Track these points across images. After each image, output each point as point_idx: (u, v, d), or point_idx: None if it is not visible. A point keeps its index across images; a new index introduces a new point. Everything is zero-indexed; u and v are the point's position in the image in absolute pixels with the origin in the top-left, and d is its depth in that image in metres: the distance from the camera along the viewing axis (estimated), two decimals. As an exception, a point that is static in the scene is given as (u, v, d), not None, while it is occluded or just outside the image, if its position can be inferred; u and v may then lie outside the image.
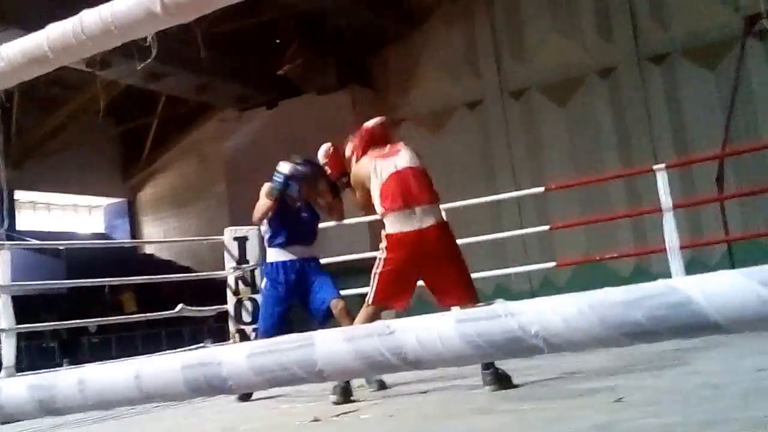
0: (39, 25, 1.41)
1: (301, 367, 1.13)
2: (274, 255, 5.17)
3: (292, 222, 5.13)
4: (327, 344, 1.13)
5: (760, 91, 11.66)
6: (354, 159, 4.53)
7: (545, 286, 12.07)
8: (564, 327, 0.99)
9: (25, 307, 7.07)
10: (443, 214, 4.48)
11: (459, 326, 1.05)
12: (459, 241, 5.60)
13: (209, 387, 1.21)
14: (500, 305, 1.06)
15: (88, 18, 1.44)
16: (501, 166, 13.23)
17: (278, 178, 4.95)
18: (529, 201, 12.34)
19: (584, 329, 0.98)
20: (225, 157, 15.61)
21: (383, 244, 4.27)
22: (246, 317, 7.32)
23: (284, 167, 4.97)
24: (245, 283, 7.46)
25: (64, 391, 1.29)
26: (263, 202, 4.99)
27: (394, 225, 4.21)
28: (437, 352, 1.06)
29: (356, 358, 1.11)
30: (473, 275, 7.57)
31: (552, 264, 7.58)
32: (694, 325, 0.93)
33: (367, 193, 4.39)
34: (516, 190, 11.29)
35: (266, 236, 5.21)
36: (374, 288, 4.25)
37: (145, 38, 1.48)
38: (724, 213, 10.58)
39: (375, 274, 4.30)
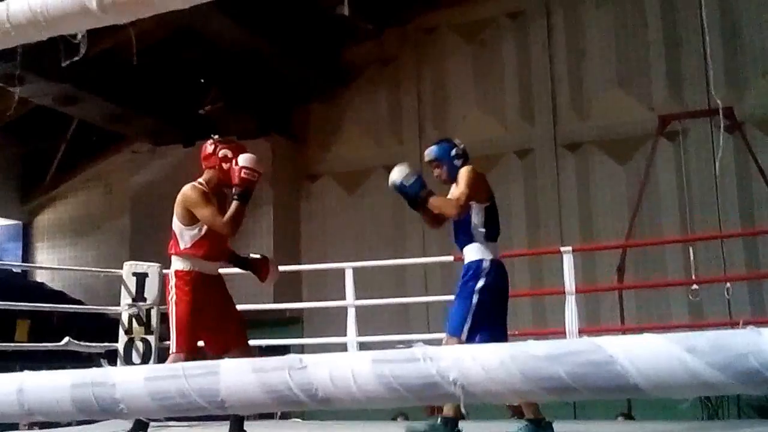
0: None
1: (202, 396, 1.08)
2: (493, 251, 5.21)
3: None
4: (232, 374, 1.09)
5: (666, 190, 12.05)
6: None
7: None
8: (483, 376, 0.97)
9: None
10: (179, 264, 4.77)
11: (375, 366, 1.02)
12: (364, 302, 5.57)
13: (99, 409, 1.15)
14: (419, 349, 1.04)
15: (15, 5, 1.37)
16: (411, 233, 13.28)
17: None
18: (436, 270, 12.40)
19: (504, 380, 0.96)
20: (132, 190, 15.25)
21: None
22: (136, 358, 7.07)
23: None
24: (139, 323, 7.23)
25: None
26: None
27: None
28: (350, 391, 1.02)
29: (262, 391, 1.06)
30: (377, 338, 7.58)
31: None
32: (614, 386, 0.92)
33: None
34: (424, 257, 11.37)
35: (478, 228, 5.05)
36: None
37: (69, 52, 1.40)
38: (621, 302, 10.82)
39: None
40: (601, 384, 0.93)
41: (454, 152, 5.00)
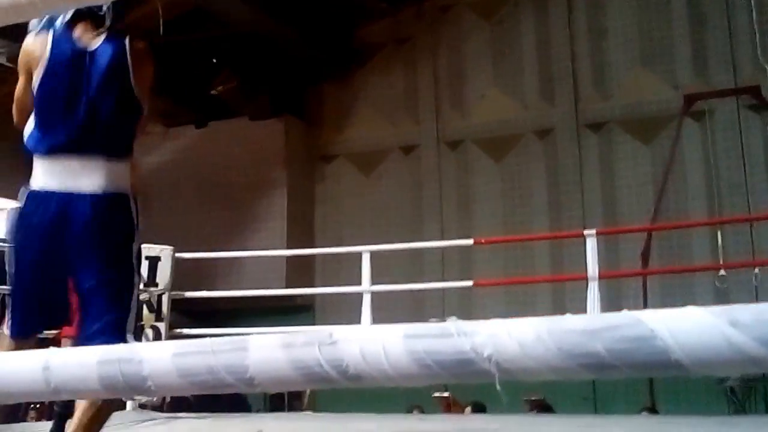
0: None
1: (231, 372, 1.07)
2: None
3: None
4: (261, 350, 1.06)
5: (692, 172, 11.71)
6: None
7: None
8: (519, 352, 0.94)
9: None
10: None
11: (407, 342, 0.99)
12: (381, 288, 5.25)
13: (127, 386, 1.14)
14: (453, 323, 0.99)
15: None
16: (430, 215, 13.03)
17: None
18: (453, 254, 12.14)
19: (540, 356, 0.93)
20: (144, 172, 15.00)
21: None
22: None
23: None
24: (150, 309, 7.07)
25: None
26: None
27: None
28: (381, 368, 1.00)
29: (292, 368, 1.04)
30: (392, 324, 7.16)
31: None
32: (656, 362, 0.89)
33: None
34: (443, 242, 11.12)
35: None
36: None
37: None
38: (645, 289, 10.51)
39: None
40: (641, 360, 0.89)
41: None
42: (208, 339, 1.09)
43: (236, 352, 1.08)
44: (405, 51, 13.98)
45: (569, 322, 0.95)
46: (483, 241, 8.48)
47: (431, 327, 1.02)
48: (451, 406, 8.41)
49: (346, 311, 8.83)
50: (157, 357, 1.12)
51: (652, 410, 8.95)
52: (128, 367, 1.13)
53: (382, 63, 14.07)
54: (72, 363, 1.18)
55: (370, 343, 1.02)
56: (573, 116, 12.67)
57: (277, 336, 1.09)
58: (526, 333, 0.94)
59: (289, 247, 12.32)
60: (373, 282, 7.51)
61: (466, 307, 11.20)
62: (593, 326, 0.92)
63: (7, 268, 3.06)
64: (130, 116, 3.18)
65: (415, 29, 13.97)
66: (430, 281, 11.27)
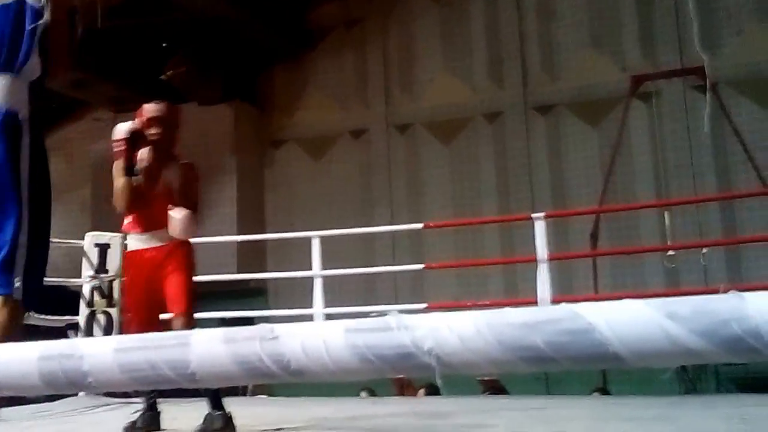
0: None
1: (173, 368, 1.07)
2: None
3: None
4: (203, 345, 1.07)
5: (639, 154, 11.84)
6: None
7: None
8: (459, 346, 0.94)
9: None
10: None
11: (348, 336, 1.00)
12: (331, 272, 5.26)
13: (67, 382, 1.14)
14: (393, 317, 1.00)
15: None
16: (380, 199, 13.03)
17: None
18: (404, 238, 12.17)
19: (480, 349, 0.94)
20: (94, 159, 14.83)
21: None
22: (98, 332, 6.95)
23: None
24: (101, 295, 7.07)
25: None
26: None
27: None
28: (322, 363, 1.01)
29: (233, 362, 1.04)
30: (344, 309, 7.33)
31: (423, 305, 7.40)
32: (594, 355, 0.90)
33: None
34: (393, 226, 11.13)
35: None
36: None
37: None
38: (595, 270, 10.62)
39: None
40: (580, 353, 0.90)
41: None
42: (150, 334, 1.08)
43: (178, 347, 1.07)
44: (355, 33, 13.90)
45: (509, 315, 0.97)
46: (432, 225, 8.52)
47: (371, 321, 1.02)
48: (404, 388, 8.45)
49: (299, 295, 8.85)
50: (98, 352, 1.12)
51: (604, 391, 9.08)
52: (69, 363, 1.11)
53: (332, 46, 13.99)
54: (11, 359, 1.17)
55: (311, 339, 1.02)
56: (521, 99, 12.72)
57: (219, 330, 1.09)
58: (467, 326, 0.95)
59: (240, 233, 12.27)
60: (325, 266, 7.54)
61: (418, 290, 11.24)
62: (532, 319, 0.93)
63: None
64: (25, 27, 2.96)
65: (366, 12, 13.89)
66: (381, 265, 11.30)
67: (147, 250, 4.49)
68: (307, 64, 14.07)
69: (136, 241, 4.54)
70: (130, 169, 4.37)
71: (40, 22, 2.98)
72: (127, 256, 4.69)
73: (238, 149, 13.40)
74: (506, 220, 11.20)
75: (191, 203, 4.51)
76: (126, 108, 14.83)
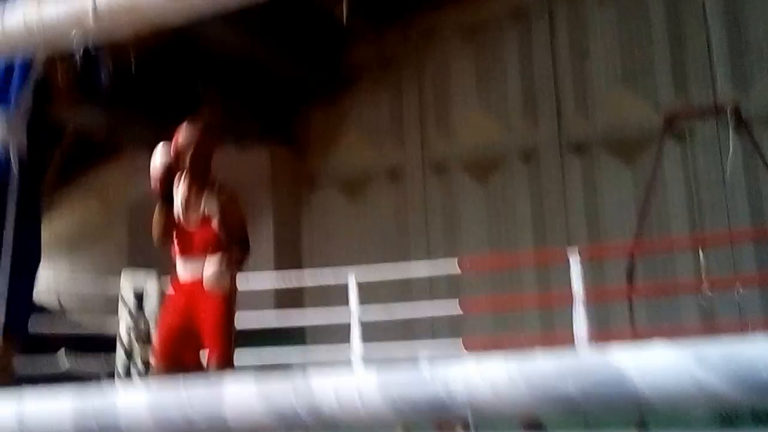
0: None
1: (207, 419, 1.08)
2: None
3: None
4: (236, 394, 1.07)
5: (674, 192, 11.81)
6: None
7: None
8: (492, 396, 0.96)
9: None
10: None
11: (381, 386, 1.01)
12: (371, 318, 5.35)
13: None
14: (426, 367, 1.03)
15: (11, 19, 1.35)
16: (416, 239, 13.07)
17: None
18: (441, 277, 12.18)
19: (512, 400, 0.96)
20: (131, 202, 15.01)
21: None
22: (134, 376, 6.93)
23: None
24: (137, 338, 7.08)
25: None
26: None
27: None
28: (355, 411, 1.02)
29: (268, 415, 1.05)
30: (379, 353, 7.35)
31: (458, 340, 7.46)
32: (625, 402, 0.94)
33: None
34: (430, 266, 11.18)
35: None
36: None
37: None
38: (632, 309, 10.56)
39: None
40: (611, 400, 0.94)
41: None
42: (183, 387, 1.09)
43: (211, 398, 1.09)
44: (391, 74, 14.02)
45: (541, 363, 0.98)
46: (468, 266, 8.57)
47: (405, 372, 1.04)
48: (441, 424, 8.44)
49: (338, 333, 8.92)
50: (132, 404, 1.13)
51: (642, 426, 9.01)
52: (103, 414, 1.13)
53: (368, 86, 14.12)
54: (46, 411, 1.17)
55: (344, 388, 1.04)
56: (556, 138, 12.75)
57: (252, 383, 1.09)
58: (499, 375, 0.98)
59: (277, 272, 12.37)
60: (363, 302, 7.63)
61: (455, 324, 11.25)
62: (564, 367, 0.96)
63: None
64: None
65: (401, 52, 14.01)
66: (418, 300, 11.32)
67: (187, 279, 4.52)
68: (343, 104, 14.21)
69: (179, 269, 4.59)
70: (166, 199, 4.45)
71: (32, 77, 3.04)
72: (171, 282, 4.75)
73: (274, 191, 13.54)
74: (542, 258, 11.18)
75: (234, 235, 4.54)
76: (163, 149, 15.04)
